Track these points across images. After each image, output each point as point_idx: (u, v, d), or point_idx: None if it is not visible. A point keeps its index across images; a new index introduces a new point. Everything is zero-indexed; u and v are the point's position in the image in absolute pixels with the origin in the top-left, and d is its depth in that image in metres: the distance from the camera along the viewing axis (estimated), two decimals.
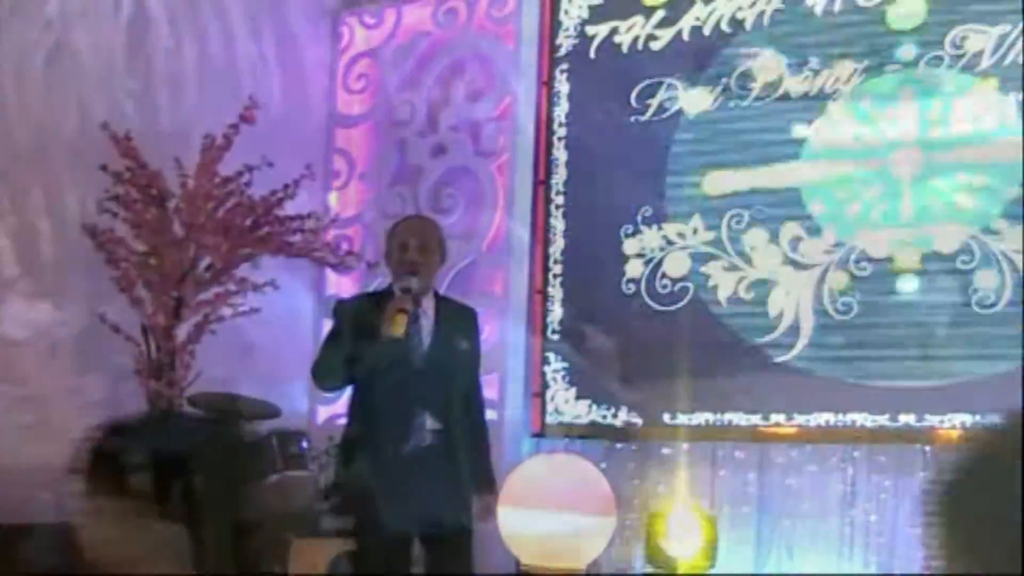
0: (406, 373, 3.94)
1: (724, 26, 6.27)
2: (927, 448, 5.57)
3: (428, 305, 4.09)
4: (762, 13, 6.15)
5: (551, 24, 6.78)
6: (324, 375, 4.06)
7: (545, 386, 6.61)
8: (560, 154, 6.76)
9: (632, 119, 6.48)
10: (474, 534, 3.99)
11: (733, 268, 6.14)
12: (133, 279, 5.52)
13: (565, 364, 6.57)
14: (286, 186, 5.70)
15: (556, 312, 6.65)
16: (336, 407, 7.00)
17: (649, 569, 5.71)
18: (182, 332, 5.63)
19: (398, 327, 3.81)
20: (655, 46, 6.43)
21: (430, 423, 3.91)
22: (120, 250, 5.52)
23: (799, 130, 6.01)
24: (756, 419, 5.98)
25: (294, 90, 7.21)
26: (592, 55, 6.65)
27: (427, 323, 4.03)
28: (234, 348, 6.12)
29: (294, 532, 5.74)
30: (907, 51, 5.81)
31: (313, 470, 5.92)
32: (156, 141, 5.63)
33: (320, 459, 6.17)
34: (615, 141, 6.54)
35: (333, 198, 7.40)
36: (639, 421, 6.32)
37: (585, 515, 5.81)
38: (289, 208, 5.75)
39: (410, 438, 3.92)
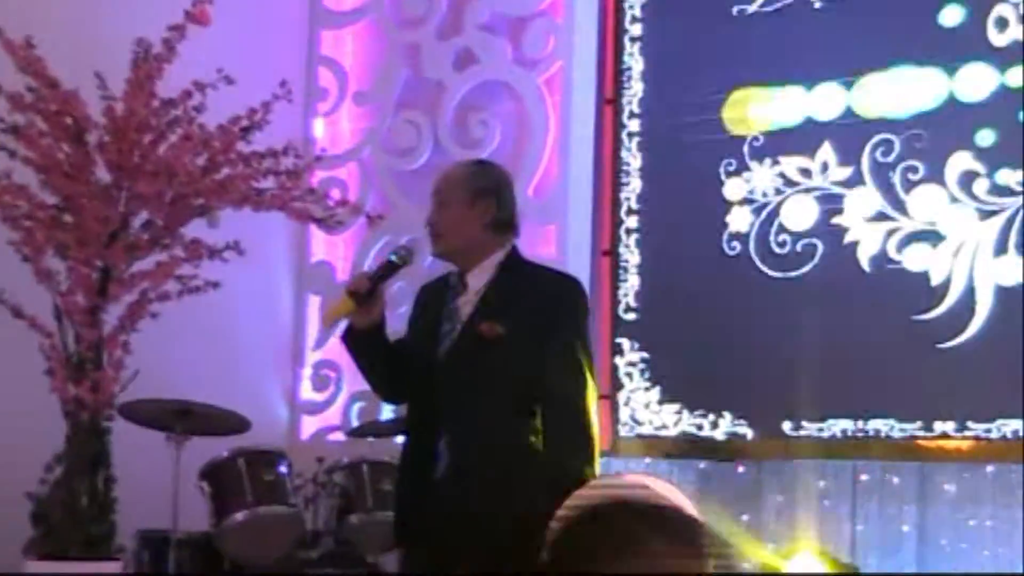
0: (432, 378, 3.99)
1: None
2: None
3: (477, 282, 4.02)
4: None
5: None
6: (366, 380, 4.21)
7: (617, 386, 6.64)
8: (635, 62, 6.74)
9: (734, 10, 6.46)
10: None
11: (880, 217, 6.10)
12: (40, 243, 5.45)
13: (644, 354, 6.56)
14: (253, 111, 5.64)
15: (631, 281, 6.65)
16: (327, 417, 7.38)
17: None
18: (111, 316, 5.55)
19: (331, 313, 4.04)
20: None
21: (450, 442, 3.94)
22: (21, 203, 5.45)
23: (973, 20, 5.92)
24: (914, 428, 5.95)
25: None
26: None
27: (466, 309, 3.99)
28: (184, 337, 6.17)
29: None
30: None
31: (296, 504, 5.90)
32: (70, 50, 5.61)
33: (306, 489, 6.16)
34: (710, 42, 6.54)
35: (318, 127, 7.44)
36: (749, 432, 6.32)
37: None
38: (258, 142, 5.69)
39: (435, 464, 3.94)
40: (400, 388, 4.18)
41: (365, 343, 3.94)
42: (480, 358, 3.93)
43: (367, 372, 4.10)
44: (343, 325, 4.16)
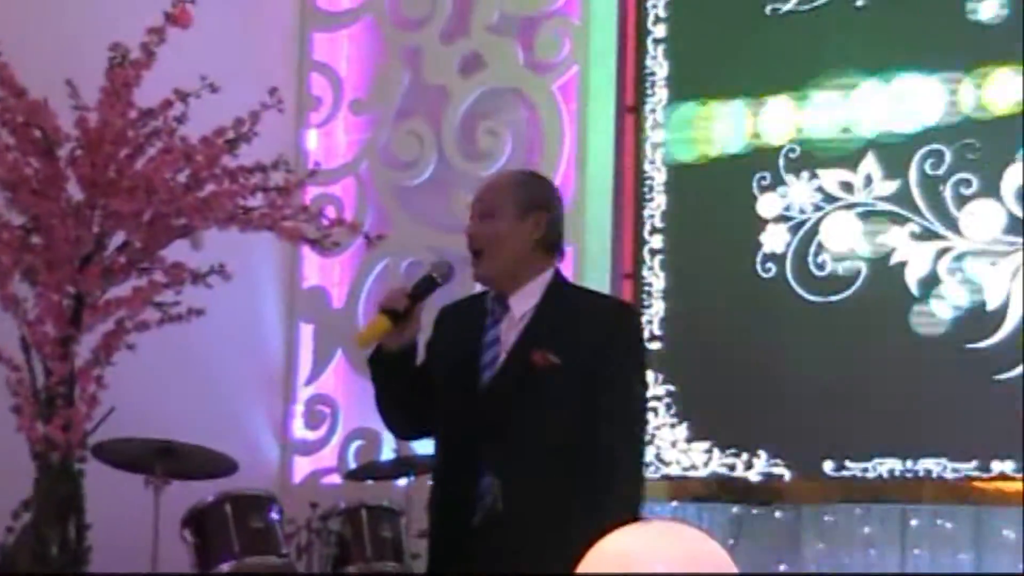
0: (470, 411, 3.99)
1: None
2: None
3: (522, 307, 4.01)
4: None
5: None
6: (383, 413, 4.23)
7: None
8: (658, 66, 6.79)
9: (768, 9, 6.51)
10: None
11: (929, 235, 6.13)
12: (7, 267, 5.34)
13: (670, 387, 6.54)
14: (239, 121, 5.52)
15: (655, 307, 6.67)
16: (322, 457, 7.32)
17: None
18: (84, 347, 5.41)
19: (365, 334, 4.02)
20: None
21: (495, 483, 3.93)
22: None
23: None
24: (969, 468, 5.95)
25: None
26: None
27: (511, 336, 3.98)
28: (165, 370, 6.18)
29: None
30: None
31: (288, 553, 5.85)
32: (39, 56, 5.60)
33: (299, 537, 6.13)
34: (742, 43, 6.60)
35: (312, 139, 7.46)
36: (787, 473, 6.31)
37: None
38: (245, 155, 5.58)
39: (474, 508, 3.93)
40: (420, 421, 4.15)
41: (394, 367, 3.96)
42: (530, 390, 3.92)
43: (387, 400, 4.10)
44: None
